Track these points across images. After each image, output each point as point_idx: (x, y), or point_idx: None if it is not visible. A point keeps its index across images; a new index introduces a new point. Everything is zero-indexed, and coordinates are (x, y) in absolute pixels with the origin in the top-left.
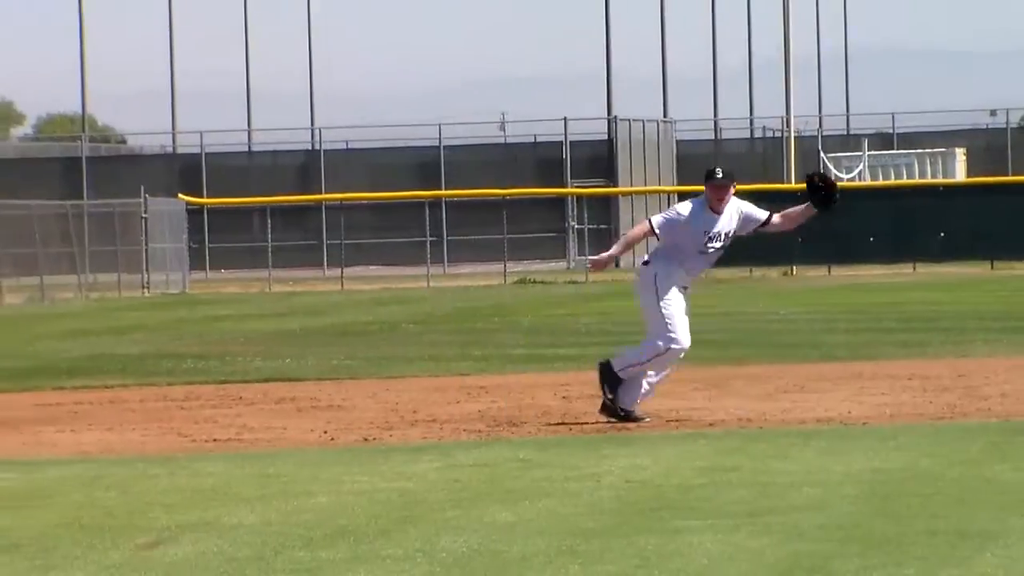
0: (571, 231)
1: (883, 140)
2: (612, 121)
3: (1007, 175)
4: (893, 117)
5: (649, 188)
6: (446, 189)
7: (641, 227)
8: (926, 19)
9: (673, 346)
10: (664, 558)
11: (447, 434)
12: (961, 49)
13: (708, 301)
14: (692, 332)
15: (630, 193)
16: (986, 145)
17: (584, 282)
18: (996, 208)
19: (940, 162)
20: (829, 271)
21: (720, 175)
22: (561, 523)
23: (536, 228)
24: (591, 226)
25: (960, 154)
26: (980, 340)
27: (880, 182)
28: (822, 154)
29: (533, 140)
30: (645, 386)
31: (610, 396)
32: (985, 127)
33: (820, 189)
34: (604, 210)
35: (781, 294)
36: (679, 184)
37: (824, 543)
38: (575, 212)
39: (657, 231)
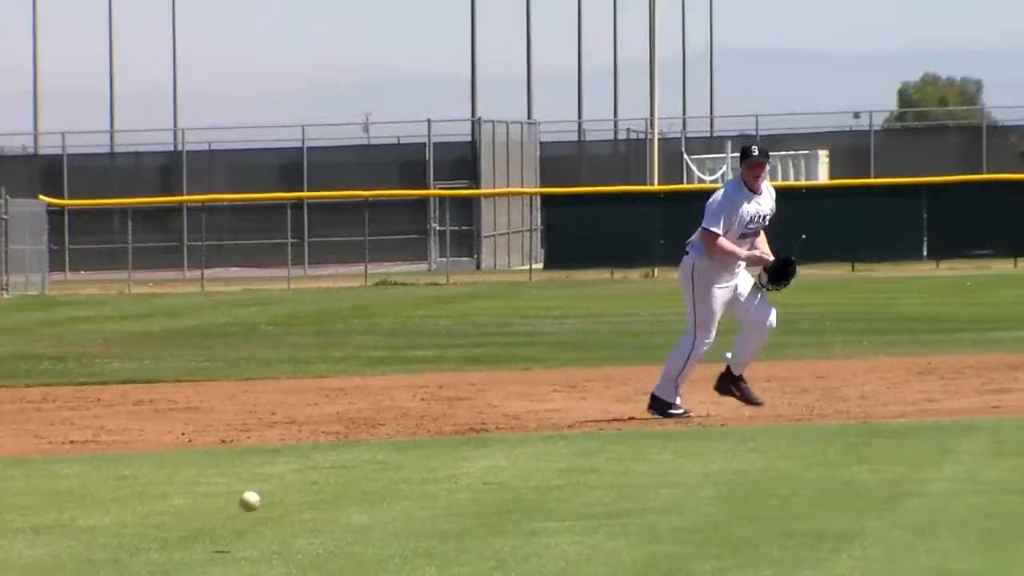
0: (433, 233)
1: (747, 142)
2: (476, 123)
3: (870, 177)
4: (757, 119)
5: (512, 190)
6: (309, 191)
7: (713, 241)
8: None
9: (698, 346)
10: (521, 560)
11: (305, 436)
12: (825, 51)
13: (569, 303)
14: (556, 333)
15: (493, 195)
16: (849, 147)
17: (445, 284)
18: (858, 210)
19: (803, 164)
20: None
21: (756, 152)
22: (418, 525)
23: (398, 230)
24: (453, 228)
25: (823, 156)
26: (839, 342)
27: None
28: (685, 156)
29: (397, 142)
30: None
31: (666, 410)
32: (848, 129)
33: (781, 277)
34: (467, 212)
35: (643, 295)
36: (542, 186)
37: (681, 545)
38: (438, 214)
39: (717, 231)
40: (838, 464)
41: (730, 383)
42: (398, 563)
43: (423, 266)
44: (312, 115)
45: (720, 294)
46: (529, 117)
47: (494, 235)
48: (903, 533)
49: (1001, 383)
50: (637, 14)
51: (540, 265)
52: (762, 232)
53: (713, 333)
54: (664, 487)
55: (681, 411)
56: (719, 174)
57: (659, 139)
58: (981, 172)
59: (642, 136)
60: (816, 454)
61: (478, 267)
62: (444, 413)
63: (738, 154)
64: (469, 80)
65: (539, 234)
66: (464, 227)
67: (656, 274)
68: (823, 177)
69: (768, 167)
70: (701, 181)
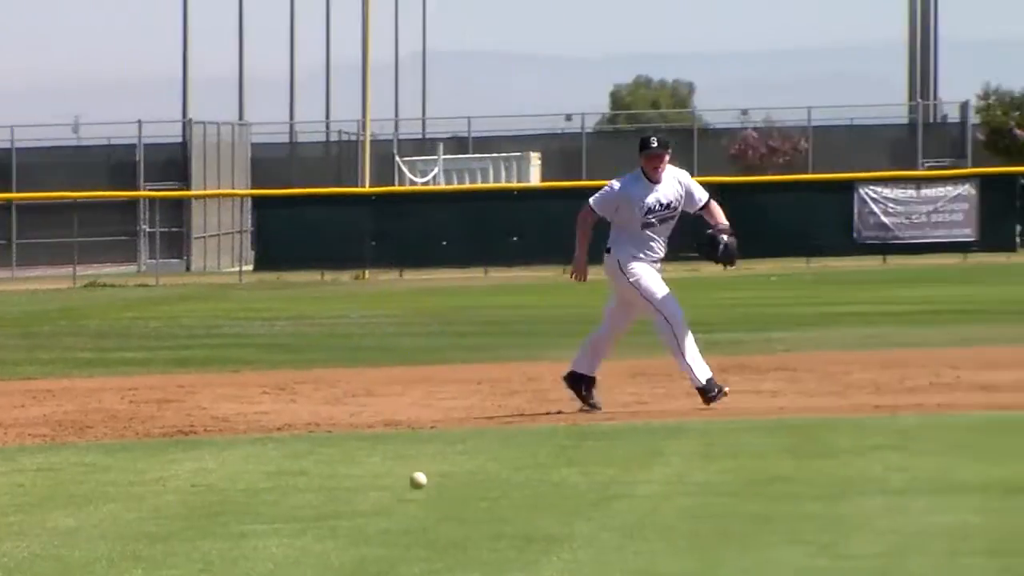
0: (143, 234)
1: (459, 144)
2: (187, 124)
3: (582, 179)
4: (469, 121)
5: (223, 191)
6: (17, 192)
7: (582, 213)
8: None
9: (671, 317)
10: (229, 563)
11: (11, 439)
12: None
13: (279, 305)
14: (266, 335)
15: (203, 196)
16: (561, 149)
17: (154, 285)
18: (570, 212)
19: (515, 166)
20: (401, 274)
21: (655, 144)
22: (125, 527)
23: (108, 231)
24: (163, 229)
25: (535, 158)
26: (551, 344)
27: (455, 186)
28: (397, 159)
29: (107, 143)
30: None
31: (714, 394)
32: (560, 132)
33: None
34: (177, 213)
35: (353, 297)
36: (253, 187)
37: (390, 547)
38: (147, 215)
39: (594, 207)
40: (548, 466)
41: (700, 388)
42: (105, 566)
43: (132, 268)
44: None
45: (653, 269)
46: (241, 118)
47: (204, 237)
48: (612, 535)
49: None
50: (350, 15)
51: (250, 267)
52: (715, 209)
53: (675, 302)
54: (373, 490)
55: (719, 388)
56: (431, 176)
57: (371, 141)
58: (693, 174)
59: (354, 138)
60: (526, 456)
61: (188, 269)
62: (152, 415)
63: (448, 156)
64: (181, 81)
65: (250, 236)
66: (174, 228)
67: (367, 276)
68: (535, 179)
69: (667, 156)
70: (413, 183)
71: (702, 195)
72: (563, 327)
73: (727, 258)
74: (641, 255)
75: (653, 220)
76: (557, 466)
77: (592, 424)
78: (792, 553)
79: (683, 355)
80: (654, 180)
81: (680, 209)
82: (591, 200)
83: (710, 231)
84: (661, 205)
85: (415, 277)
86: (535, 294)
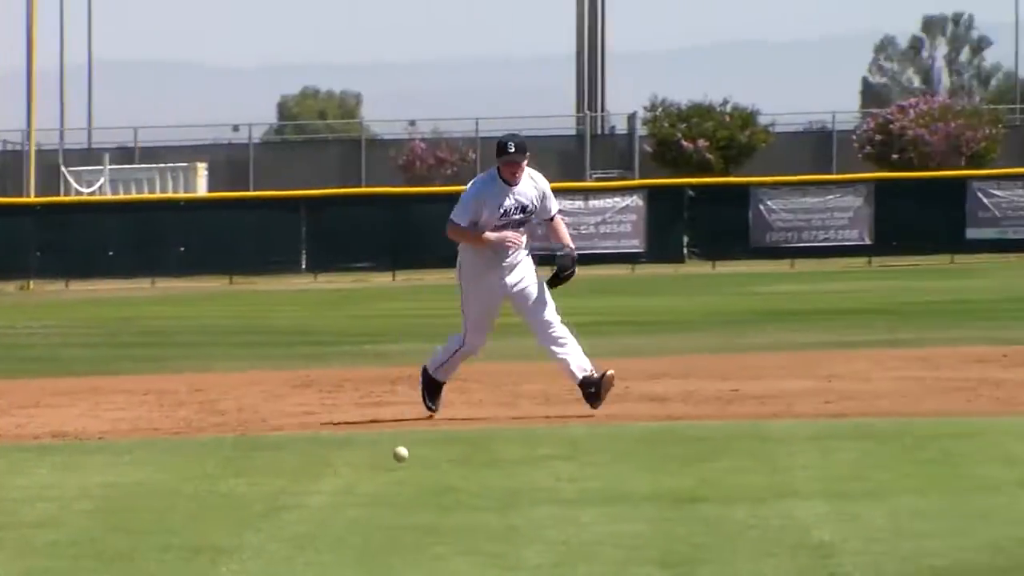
0: None
1: (125, 154)
2: None
3: (249, 190)
4: (136, 131)
5: None
6: None
7: (450, 231)
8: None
9: (465, 347)
10: None
11: None
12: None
13: None
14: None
15: None
16: (228, 160)
17: None
18: (236, 222)
19: (182, 176)
20: (67, 285)
21: (512, 149)
22: None
23: None
24: None
25: (202, 168)
26: (219, 355)
27: (121, 196)
28: (63, 168)
29: None
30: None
31: (431, 406)
32: (227, 142)
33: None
34: None
35: (18, 308)
36: None
37: (58, 559)
38: None
39: (459, 222)
40: (216, 477)
41: (426, 387)
42: None
43: None
44: None
45: (488, 294)
46: None
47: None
48: (282, 546)
49: (379, 396)
50: (15, 22)
51: None
52: (559, 225)
53: (483, 336)
54: (40, 500)
55: (431, 406)
56: (97, 186)
57: (36, 151)
58: (360, 185)
59: (19, 147)
60: (194, 467)
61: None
62: None
63: (115, 166)
64: None
65: None
66: None
67: (32, 286)
68: (202, 190)
69: (525, 161)
70: (79, 193)
71: (554, 207)
72: (230, 337)
73: (561, 281)
74: (486, 261)
75: (509, 221)
76: (225, 477)
77: (261, 436)
78: (464, 564)
79: (433, 368)
80: (511, 183)
81: (535, 212)
82: (452, 217)
83: (560, 257)
84: (516, 208)
85: (81, 287)
86: (202, 304)
